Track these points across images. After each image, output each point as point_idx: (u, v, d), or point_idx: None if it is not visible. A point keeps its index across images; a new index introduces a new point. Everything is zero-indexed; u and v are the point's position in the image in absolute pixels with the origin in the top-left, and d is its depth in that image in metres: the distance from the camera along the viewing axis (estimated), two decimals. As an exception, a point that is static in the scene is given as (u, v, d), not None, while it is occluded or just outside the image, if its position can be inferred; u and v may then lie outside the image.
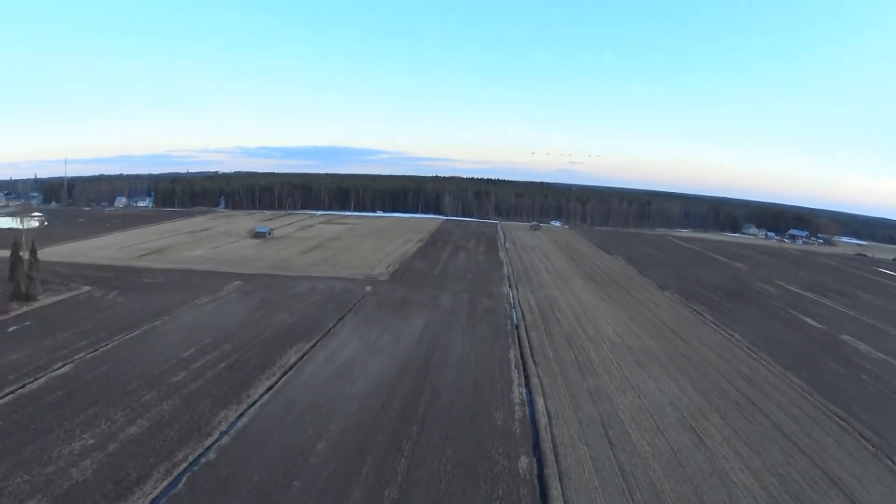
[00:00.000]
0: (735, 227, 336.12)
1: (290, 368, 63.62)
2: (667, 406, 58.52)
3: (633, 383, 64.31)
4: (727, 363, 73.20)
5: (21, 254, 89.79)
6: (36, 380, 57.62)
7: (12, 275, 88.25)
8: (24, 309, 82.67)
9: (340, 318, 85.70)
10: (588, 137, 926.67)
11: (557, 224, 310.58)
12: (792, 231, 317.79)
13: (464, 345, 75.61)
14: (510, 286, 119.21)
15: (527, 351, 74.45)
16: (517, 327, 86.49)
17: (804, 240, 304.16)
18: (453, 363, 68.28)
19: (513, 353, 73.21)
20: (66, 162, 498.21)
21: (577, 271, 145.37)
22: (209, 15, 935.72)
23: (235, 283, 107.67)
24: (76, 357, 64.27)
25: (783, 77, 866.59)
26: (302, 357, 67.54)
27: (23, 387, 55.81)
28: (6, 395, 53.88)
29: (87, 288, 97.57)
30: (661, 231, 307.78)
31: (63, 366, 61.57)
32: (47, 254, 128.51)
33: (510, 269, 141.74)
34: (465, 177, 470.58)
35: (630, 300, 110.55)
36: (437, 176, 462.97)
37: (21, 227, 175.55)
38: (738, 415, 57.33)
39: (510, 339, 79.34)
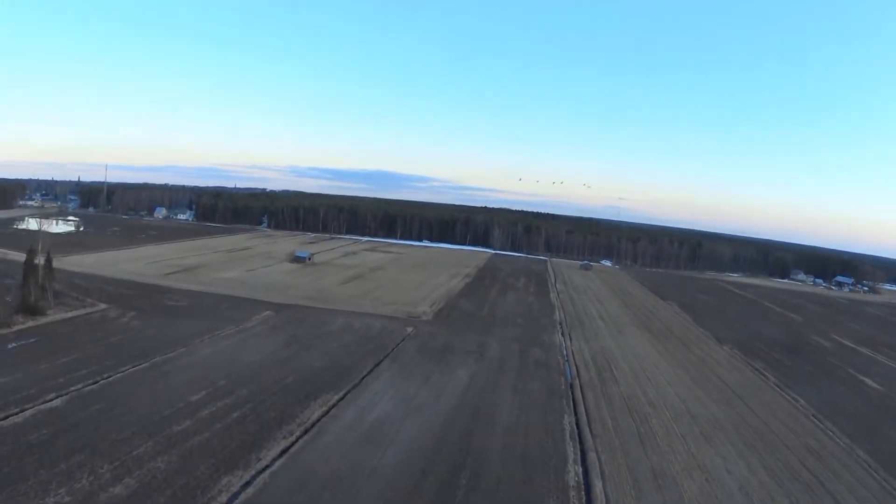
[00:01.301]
0: (784, 273, 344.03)
1: (312, 426, 56.99)
2: (736, 492, 52.15)
3: (700, 462, 57.63)
4: (795, 435, 68.50)
5: (35, 261, 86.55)
6: (22, 412, 52.96)
7: (24, 283, 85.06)
8: (30, 324, 79.38)
9: (376, 365, 79.36)
10: (636, 174, 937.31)
11: (608, 263, 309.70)
12: (838, 278, 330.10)
13: (513, 407, 68.54)
14: (563, 334, 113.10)
15: (583, 417, 67.51)
16: (572, 386, 79.78)
17: (850, 287, 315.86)
18: (500, 430, 61.02)
19: (567, 420, 66.05)
20: (106, 167, 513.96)
21: (632, 319, 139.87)
22: (269, 34, 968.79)
23: (265, 313, 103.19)
24: (72, 389, 59.44)
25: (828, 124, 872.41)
26: (327, 412, 60.91)
27: (5, 419, 51.23)
28: (-14, 426, 49.32)
29: (102, 305, 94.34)
30: (711, 275, 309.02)
31: (55, 398, 56.79)
32: (71, 263, 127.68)
33: (562, 314, 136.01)
34: (514, 209, 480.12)
35: (689, 356, 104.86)
36: (485, 207, 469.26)
37: (51, 230, 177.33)
38: (809, 501, 52.22)
39: (564, 402, 72.25)
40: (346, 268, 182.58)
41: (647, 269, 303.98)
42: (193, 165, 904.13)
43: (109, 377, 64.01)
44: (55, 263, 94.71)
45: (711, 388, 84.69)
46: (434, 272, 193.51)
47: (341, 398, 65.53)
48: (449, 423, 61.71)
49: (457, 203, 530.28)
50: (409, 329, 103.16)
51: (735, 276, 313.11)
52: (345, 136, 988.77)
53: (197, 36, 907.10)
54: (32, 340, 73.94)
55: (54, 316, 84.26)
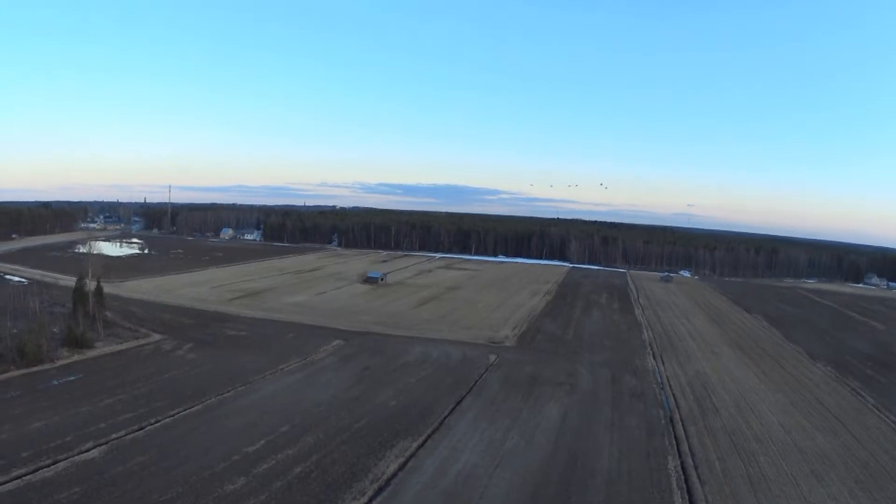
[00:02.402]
0: (857, 277, 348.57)
1: (387, 483, 49.89)
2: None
3: (815, 508, 51.54)
4: (901, 467, 64.16)
5: (85, 289, 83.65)
6: (54, 464, 48.53)
7: (73, 313, 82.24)
8: (76, 358, 76.65)
9: (458, 403, 72.48)
10: (703, 180, 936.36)
11: (686, 274, 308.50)
12: None
13: (612, 450, 61.53)
14: (654, 357, 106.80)
15: (688, 459, 61.06)
16: (671, 420, 73.17)
17: None
18: (601, 481, 53.77)
19: (672, 463, 59.25)
20: (169, 188, 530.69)
21: (721, 336, 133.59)
22: (338, 53, 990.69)
23: (335, 342, 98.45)
24: (113, 436, 54.79)
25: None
26: (404, 464, 53.89)
27: (35, 471, 46.88)
28: (13, 479, 45.16)
29: (157, 337, 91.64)
30: (789, 282, 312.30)
31: (93, 447, 52.16)
32: (129, 288, 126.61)
33: (650, 334, 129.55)
34: (587, 219, 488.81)
35: (786, 377, 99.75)
36: (558, 218, 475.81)
37: (111, 253, 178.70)
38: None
39: (666, 441, 65.46)
40: (421, 288, 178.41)
41: (726, 279, 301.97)
42: (261, 184, 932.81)
43: (157, 422, 59.33)
44: (112, 289, 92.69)
45: (813, 414, 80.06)
46: (513, 290, 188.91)
47: (420, 445, 58.68)
48: (543, 473, 54.72)
49: (529, 215, 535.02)
50: (492, 357, 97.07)
51: (812, 283, 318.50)
52: (412, 151, 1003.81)
53: (263, 56, 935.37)
54: (76, 377, 70.70)
55: (102, 349, 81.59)
